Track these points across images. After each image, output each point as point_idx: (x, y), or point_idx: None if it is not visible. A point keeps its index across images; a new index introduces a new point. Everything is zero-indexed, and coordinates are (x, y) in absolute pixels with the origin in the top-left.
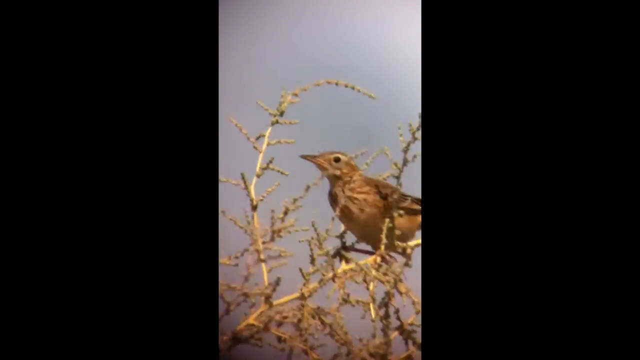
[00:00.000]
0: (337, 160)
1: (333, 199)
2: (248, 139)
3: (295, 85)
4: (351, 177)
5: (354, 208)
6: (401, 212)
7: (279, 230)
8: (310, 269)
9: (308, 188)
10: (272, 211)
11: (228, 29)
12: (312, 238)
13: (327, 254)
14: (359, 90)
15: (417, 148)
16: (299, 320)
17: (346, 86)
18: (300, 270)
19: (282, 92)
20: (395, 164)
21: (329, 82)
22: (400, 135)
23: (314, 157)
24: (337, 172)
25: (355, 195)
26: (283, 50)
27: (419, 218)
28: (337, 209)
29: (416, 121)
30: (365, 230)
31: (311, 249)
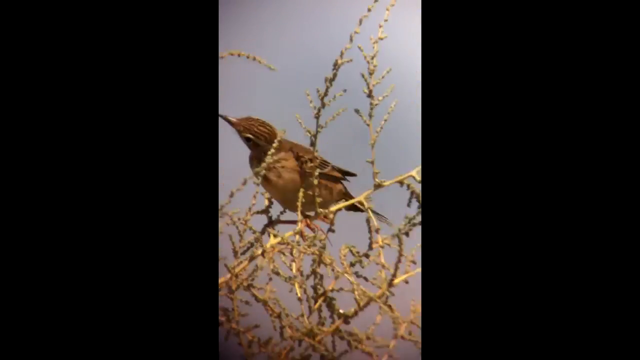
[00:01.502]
0: (263, 124)
1: (252, 164)
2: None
3: (294, 85)
4: (270, 144)
5: (272, 175)
6: (316, 175)
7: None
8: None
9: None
10: None
11: (228, 29)
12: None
13: (255, 236)
14: (259, 62)
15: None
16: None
17: (247, 57)
18: (225, 265)
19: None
20: (309, 131)
21: (231, 54)
22: (311, 101)
23: (234, 121)
24: (259, 141)
25: (277, 162)
26: (283, 50)
27: (339, 185)
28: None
29: (323, 87)
30: (286, 196)
31: (233, 242)
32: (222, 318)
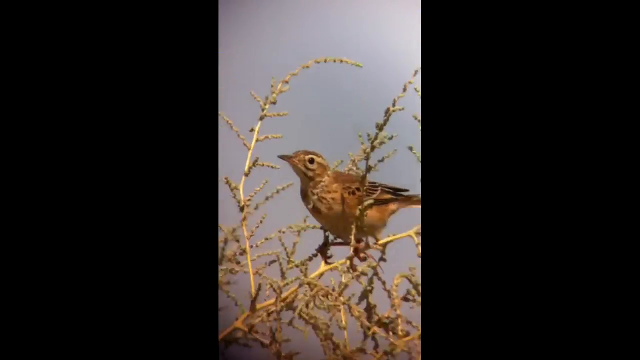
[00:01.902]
0: (312, 161)
1: (304, 197)
2: (238, 135)
3: (295, 85)
4: (321, 178)
5: (323, 207)
6: (368, 203)
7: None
8: (281, 283)
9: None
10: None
11: (228, 29)
12: (285, 247)
13: (300, 264)
14: (347, 62)
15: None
16: (275, 330)
17: (334, 61)
18: (271, 285)
19: (272, 82)
20: (356, 166)
21: (317, 62)
22: (362, 143)
23: (290, 157)
24: (310, 174)
25: (324, 195)
26: (283, 49)
27: (391, 207)
28: (308, 208)
29: (374, 132)
30: (337, 226)
31: (280, 264)
32: (266, 341)
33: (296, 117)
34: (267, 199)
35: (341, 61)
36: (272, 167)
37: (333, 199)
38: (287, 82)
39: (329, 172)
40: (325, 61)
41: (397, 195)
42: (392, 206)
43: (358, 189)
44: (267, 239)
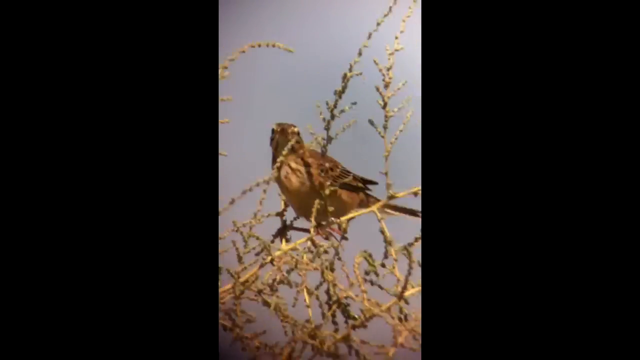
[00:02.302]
0: (299, 133)
1: (276, 166)
2: None
3: (293, 85)
4: (300, 150)
5: (295, 180)
6: (333, 186)
7: None
8: (238, 268)
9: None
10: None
11: (228, 29)
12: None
13: (265, 245)
14: (279, 47)
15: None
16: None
17: (267, 45)
18: (228, 270)
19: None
20: (317, 141)
21: (252, 46)
22: (320, 113)
23: (284, 129)
24: (297, 146)
25: (299, 167)
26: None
27: (360, 195)
28: (280, 180)
29: (333, 99)
30: (303, 203)
31: (237, 249)
32: (226, 323)
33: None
34: (244, 192)
35: (273, 45)
36: (221, 154)
37: (308, 172)
38: (226, 68)
39: (304, 147)
40: (259, 45)
41: (367, 186)
42: (362, 196)
43: (331, 169)
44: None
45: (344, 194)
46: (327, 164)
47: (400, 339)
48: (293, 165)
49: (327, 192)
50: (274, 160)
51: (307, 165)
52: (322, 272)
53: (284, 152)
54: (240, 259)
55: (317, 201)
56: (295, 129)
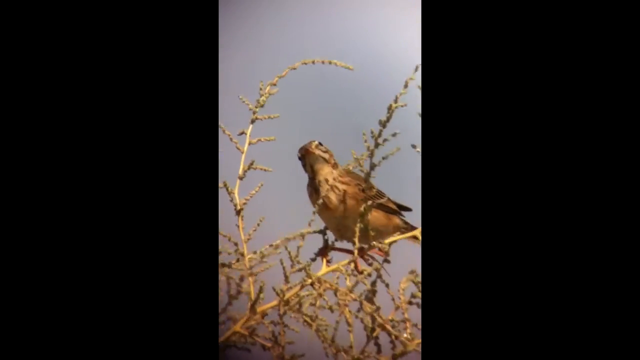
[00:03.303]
0: (321, 144)
1: (314, 188)
2: (231, 139)
3: (293, 86)
4: (333, 166)
5: (334, 198)
6: (376, 202)
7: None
8: (284, 287)
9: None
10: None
11: (228, 29)
12: (288, 250)
13: (305, 267)
14: (336, 64)
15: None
16: (277, 333)
17: (322, 62)
18: (274, 289)
19: (260, 85)
20: (361, 168)
21: (304, 63)
22: (365, 141)
23: (307, 149)
24: (326, 155)
25: (337, 185)
26: (282, 50)
27: (396, 219)
28: (317, 203)
29: (377, 128)
30: (342, 223)
31: (283, 267)
32: (268, 344)
33: (291, 118)
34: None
35: (330, 62)
36: (266, 170)
37: (345, 191)
38: (274, 85)
39: (339, 166)
40: (314, 62)
41: (401, 211)
42: (397, 220)
43: (368, 189)
44: (271, 245)
45: (381, 215)
46: (362, 184)
47: None
48: (330, 181)
49: (362, 209)
50: (313, 187)
51: (344, 183)
52: (361, 304)
53: (318, 166)
54: (286, 277)
55: (359, 220)
56: (315, 142)
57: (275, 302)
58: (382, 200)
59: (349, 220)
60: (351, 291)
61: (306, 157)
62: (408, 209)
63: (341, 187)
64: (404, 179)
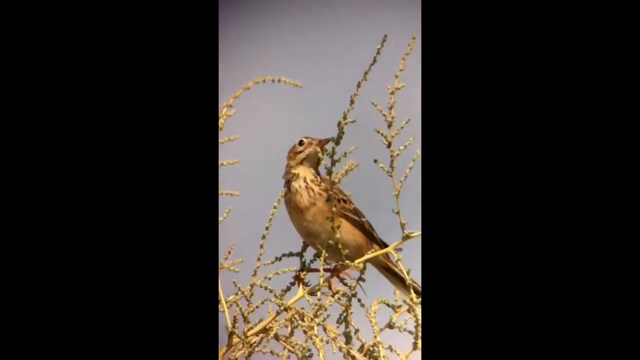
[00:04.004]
0: (301, 143)
1: (288, 185)
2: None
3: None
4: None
5: (306, 200)
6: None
7: None
8: (249, 308)
9: None
10: None
11: (228, 29)
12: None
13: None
14: (285, 82)
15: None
16: None
17: (273, 81)
18: (234, 332)
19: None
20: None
21: (256, 82)
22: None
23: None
24: (304, 155)
25: (313, 187)
26: (282, 49)
27: (375, 245)
28: (289, 196)
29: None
30: (310, 228)
31: (240, 308)
32: None
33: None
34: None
35: (279, 80)
36: (232, 194)
37: (320, 194)
38: (231, 106)
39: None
40: (264, 81)
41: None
42: (361, 239)
43: (344, 201)
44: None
45: (356, 234)
46: (340, 195)
47: None
48: (309, 180)
49: (336, 224)
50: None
51: (319, 187)
52: (325, 328)
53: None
54: (245, 318)
55: (332, 224)
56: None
57: (237, 340)
58: (356, 218)
59: (316, 225)
60: (316, 316)
61: (316, 149)
62: (385, 245)
63: (317, 190)
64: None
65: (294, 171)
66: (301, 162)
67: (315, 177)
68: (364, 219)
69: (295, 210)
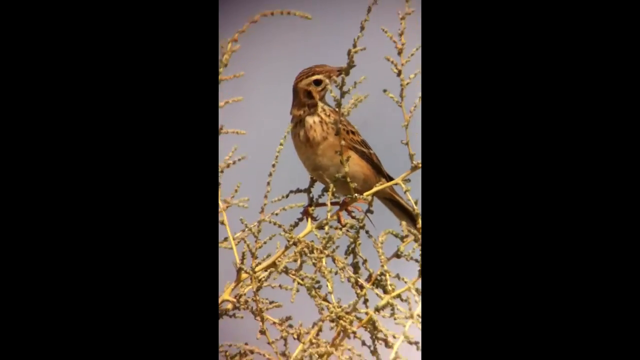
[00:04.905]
0: (318, 83)
1: (299, 120)
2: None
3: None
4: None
5: (320, 134)
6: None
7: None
8: (257, 244)
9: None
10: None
11: (228, 29)
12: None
13: (285, 230)
14: (294, 14)
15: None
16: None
17: (281, 13)
18: (242, 268)
19: (220, 44)
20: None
21: (264, 15)
22: (331, 91)
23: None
24: (325, 92)
25: (326, 120)
26: (282, 49)
27: (381, 178)
28: (302, 131)
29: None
30: (320, 161)
31: (247, 245)
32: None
33: (257, 77)
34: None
35: (288, 13)
36: (238, 132)
37: (333, 128)
38: (236, 41)
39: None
40: (272, 14)
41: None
42: (370, 172)
43: (353, 133)
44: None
45: (364, 166)
46: (349, 127)
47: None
48: (323, 114)
49: (345, 157)
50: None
51: (331, 121)
52: (334, 259)
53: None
54: (253, 254)
55: (340, 158)
56: (312, 79)
57: (246, 275)
58: (364, 150)
59: (326, 159)
60: (325, 248)
61: (332, 79)
62: (391, 178)
63: (330, 123)
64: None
65: (312, 107)
66: (321, 99)
67: (332, 111)
68: (371, 151)
69: (304, 144)
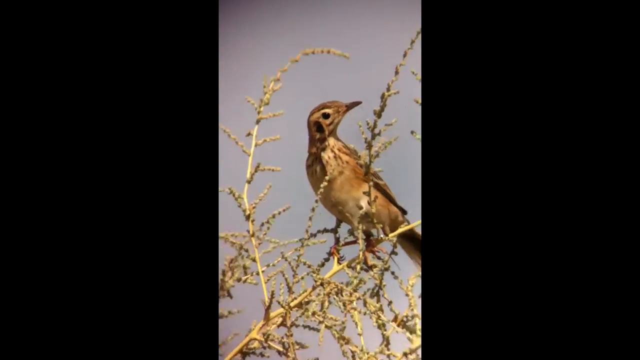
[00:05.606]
0: (326, 116)
1: (315, 156)
2: (237, 143)
3: (294, 84)
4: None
5: (336, 169)
6: (376, 182)
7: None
8: (289, 298)
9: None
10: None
11: (228, 29)
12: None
13: (314, 271)
14: (334, 53)
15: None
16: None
17: (322, 52)
18: (279, 302)
19: (263, 82)
20: (363, 160)
21: (305, 54)
22: (362, 133)
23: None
24: (334, 126)
25: (341, 155)
26: (282, 49)
27: (395, 209)
28: (318, 167)
29: (372, 119)
30: (337, 197)
31: (286, 278)
32: (282, 348)
33: (294, 115)
34: (277, 213)
35: (328, 52)
36: (274, 170)
37: (347, 162)
38: (278, 80)
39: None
40: (314, 52)
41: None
42: (396, 211)
43: (373, 174)
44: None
45: (381, 199)
46: (360, 161)
47: None
48: (336, 149)
49: (365, 188)
50: (316, 156)
51: (346, 154)
52: (365, 302)
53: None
54: (289, 288)
55: (362, 194)
56: (321, 112)
57: (281, 310)
58: (381, 183)
59: (343, 195)
60: (356, 290)
61: (341, 114)
62: (403, 210)
63: (344, 157)
64: (404, 181)
65: (323, 143)
66: (331, 133)
67: (343, 145)
68: (383, 182)
69: (321, 180)
